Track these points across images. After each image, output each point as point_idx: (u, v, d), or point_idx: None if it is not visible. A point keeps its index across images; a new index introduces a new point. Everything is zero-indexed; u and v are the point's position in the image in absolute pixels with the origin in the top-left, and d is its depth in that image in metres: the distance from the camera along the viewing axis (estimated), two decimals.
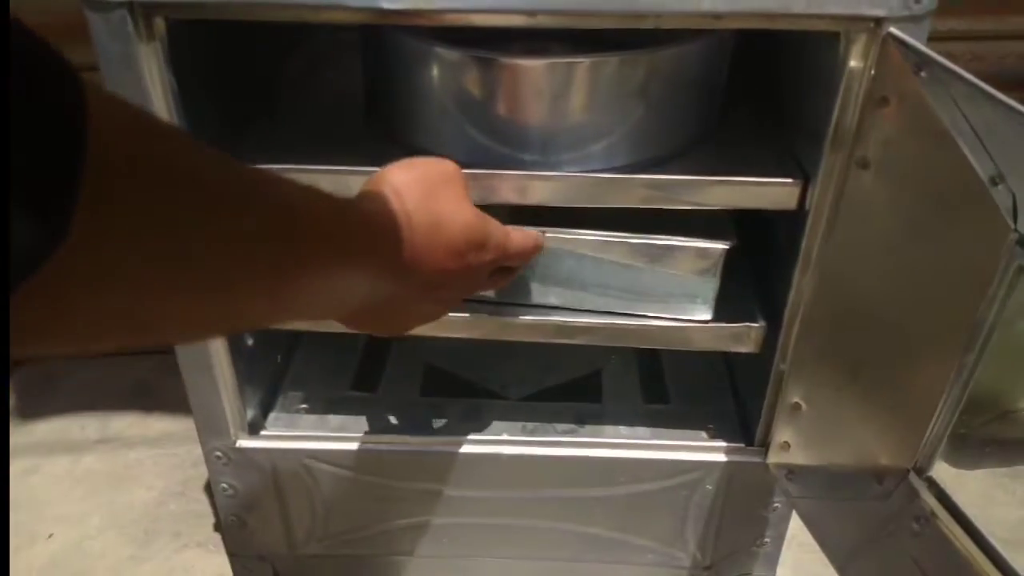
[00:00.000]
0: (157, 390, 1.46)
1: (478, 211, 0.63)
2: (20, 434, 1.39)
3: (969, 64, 1.32)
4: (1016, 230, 0.59)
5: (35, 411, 1.44)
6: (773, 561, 0.98)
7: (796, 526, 0.92)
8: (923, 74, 0.59)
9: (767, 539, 0.95)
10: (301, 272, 0.45)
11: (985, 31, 1.30)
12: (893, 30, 0.60)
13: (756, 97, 0.88)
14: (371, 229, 0.54)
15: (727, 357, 1.03)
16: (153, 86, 0.68)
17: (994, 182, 0.58)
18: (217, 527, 1.19)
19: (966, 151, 0.58)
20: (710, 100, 0.80)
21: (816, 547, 0.83)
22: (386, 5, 0.63)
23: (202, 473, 1.28)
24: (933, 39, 1.36)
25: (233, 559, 1.05)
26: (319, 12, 0.65)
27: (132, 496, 1.26)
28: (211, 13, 0.65)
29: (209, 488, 1.25)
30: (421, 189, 0.58)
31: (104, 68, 0.68)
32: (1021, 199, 0.57)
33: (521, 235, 0.70)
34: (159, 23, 0.66)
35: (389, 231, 0.55)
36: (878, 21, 0.62)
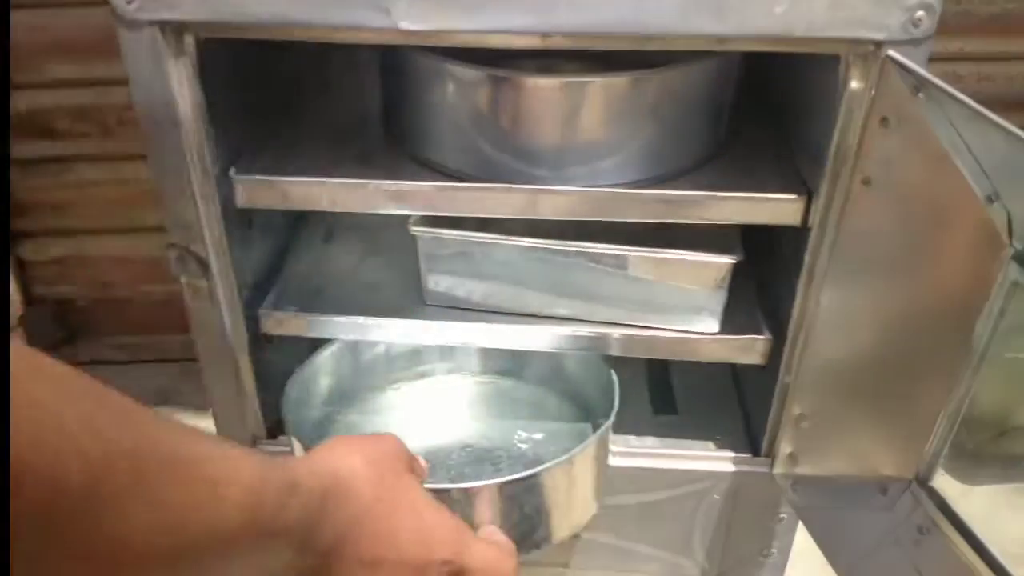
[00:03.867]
0: (177, 396, 1.49)
1: (429, 522, 0.57)
2: None
3: (978, 84, 1.34)
4: (1012, 246, 0.61)
5: None
6: (779, 572, 0.99)
7: (803, 537, 0.93)
8: (921, 96, 0.61)
9: (774, 550, 0.97)
10: (222, 552, 0.44)
11: (994, 52, 1.32)
12: (892, 53, 0.63)
13: (765, 116, 0.90)
14: (310, 519, 0.50)
15: (735, 370, 1.04)
16: (182, 100, 0.71)
17: (990, 200, 0.60)
18: None
19: (963, 170, 0.60)
20: (719, 119, 0.82)
21: (822, 559, 0.84)
22: (405, 26, 0.65)
23: None
24: (942, 59, 1.38)
25: None
26: (341, 33, 0.67)
27: None
28: (239, 32, 0.68)
29: None
30: (373, 489, 0.54)
31: (133, 83, 0.71)
32: (1016, 216, 0.59)
33: (489, 551, 0.61)
34: (189, 41, 0.69)
35: (333, 523, 0.51)
36: (878, 44, 0.64)
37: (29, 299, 1.55)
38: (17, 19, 1.28)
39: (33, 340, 1.56)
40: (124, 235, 1.49)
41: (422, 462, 0.64)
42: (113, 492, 0.35)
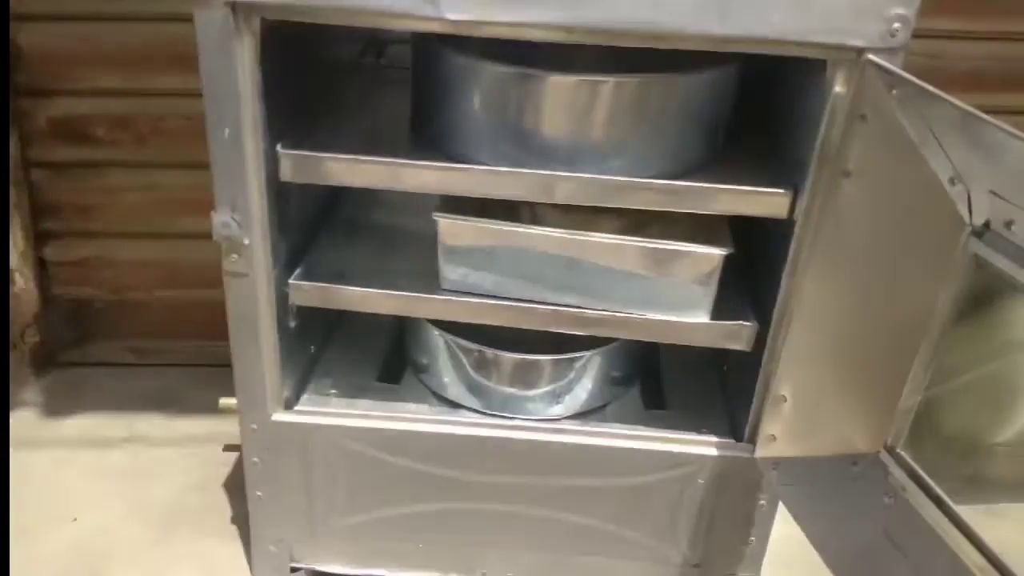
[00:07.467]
0: (182, 398, 1.53)
1: None
2: (49, 429, 1.47)
3: (929, 61, 1.35)
4: (971, 224, 0.69)
5: (63, 412, 1.51)
6: (758, 560, 1.05)
7: (782, 526, 0.99)
8: (895, 92, 0.71)
9: (753, 537, 1.03)
10: None
11: (945, 30, 1.36)
12: (871, 56, 0.73)
13: (759, 128, 1.00)
14: None
15: (720, 369, 1.12)
16: (243, 76, 0.80)
17: (952, 182, 0.69)
18: (235, 519, 1.26)
19: (928, 156, 0.70)
20: (718, 124, 0.92)
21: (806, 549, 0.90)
22: (450, 16, 0.75)
23: (222, 472, 1.35)
24: None
25: (252, 542, 1.11)
26: (392, 19, 0.77)
27: (155, 489, 1.33)
28: (302, 15, 0.78)
29: (228, 485, 1.33)
30: None
31: (202, 60, 0.80)
32: (975, 195, 0.68)
33: None
34: (255, 22, 0.79)
35: None
36: (859, 51, 0.74)
37: (46, 298, 1.60)
38: (65, 30, 1.39)
39: (46, 338, 1.61)
40: (146, 240, 1.55)
41: None
42: None
